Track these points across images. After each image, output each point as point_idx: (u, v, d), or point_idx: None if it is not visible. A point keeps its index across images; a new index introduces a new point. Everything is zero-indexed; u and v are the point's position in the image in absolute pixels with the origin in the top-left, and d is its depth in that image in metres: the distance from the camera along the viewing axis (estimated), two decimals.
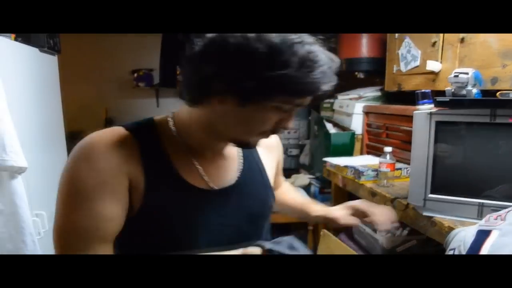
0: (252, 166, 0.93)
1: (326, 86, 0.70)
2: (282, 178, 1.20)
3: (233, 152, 0.92)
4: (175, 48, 2.86)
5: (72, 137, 3.07)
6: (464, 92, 1.14)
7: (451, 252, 0.96)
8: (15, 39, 1.81)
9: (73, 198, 0.74)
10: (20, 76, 1.75)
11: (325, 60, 0.69)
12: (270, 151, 1.00)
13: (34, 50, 1.92)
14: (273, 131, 0.78)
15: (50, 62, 2.12)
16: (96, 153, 0.74)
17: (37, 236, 1.65)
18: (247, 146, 0.83)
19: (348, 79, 2.70)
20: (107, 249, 0.76)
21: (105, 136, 0.78)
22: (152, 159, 0.78)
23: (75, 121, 4.20)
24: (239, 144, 0.82)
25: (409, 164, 1.68)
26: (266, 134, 0.79)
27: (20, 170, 1.35)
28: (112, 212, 0.75)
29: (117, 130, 0.79)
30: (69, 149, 2.38)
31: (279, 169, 1.10)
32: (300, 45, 0.66)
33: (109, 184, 0.74)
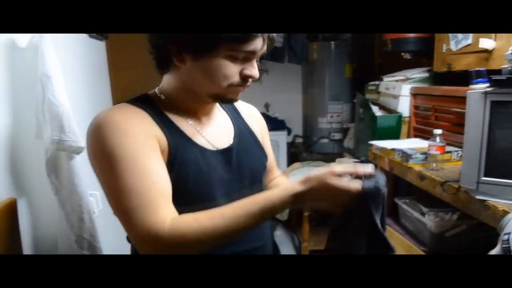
0: (242, 130, 1.02)
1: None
2: (277, 171, 1.20)
3: (224, 120, 1.01)
4: None
5: None
6: None
7: (505, 237, 0.93)
8: None
9: (118, 165, 0.76)
10: (70, 61, 1.82)
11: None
12: (254, 121, 1.09)
13: (83, 36, 1.98)
14: (243, 81, 0.86)
15: (98, 47, 2.19)
16: (121, 122, 0.79)
17: (93, 215, 1.74)
18: (225, 100, 0.90)
19: (394, 60, 2.62)
20: (171, 206, 0.78)
21: (118, 109, 0.84)
22: (164, 124, 0.85)
23: None
24: (216, 98, 0.89)
25: (459, 147, 1.63)
26: (236, 85, 0.86)
27: (78, 150, 1.41)
28: (160, 168, 0.79)
29: (123, 105, 0.86)
30: None
31: (268, 149, 1.12)
32: None
33: (145, 144, 0.79)
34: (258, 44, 0.82)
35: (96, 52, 2.16)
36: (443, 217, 1.66)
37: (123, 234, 0.86)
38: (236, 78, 0.84)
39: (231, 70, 0.83)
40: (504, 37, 1.53)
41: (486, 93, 1.13)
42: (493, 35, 1.58)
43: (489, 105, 1.12)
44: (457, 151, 1.62)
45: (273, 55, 3.37)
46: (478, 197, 1.18)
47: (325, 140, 3.54)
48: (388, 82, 2.37)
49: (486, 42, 1.58)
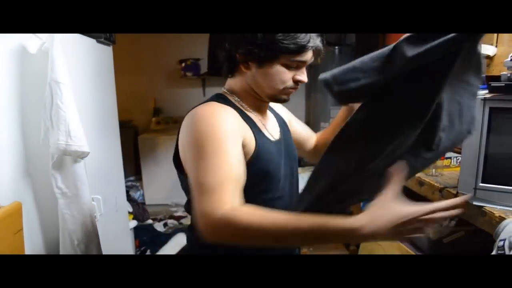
0: (282, 124, 1.20)
1: (312, 43, 0.98)
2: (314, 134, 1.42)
3: (271, 116, 1.19)
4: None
5: (122, 126, 3.17)
6: None
7: (501, 243, 0.95)
8: None
9: (203, 147, 0.87)
10: (79, 67, 1.84)
11: None
12: (284, 114, 1.28)
13: (92, 41, 2.01)
14: (294, 85, 1.03)
15: (106, 52, 2.21)
16: (221, 113, 0.95)
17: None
18: (279, 100, 1.07)
19: None
20: (236, 191, 0.85)
21: (214, 105, 0.99)
22: (247, 119, 1.03)
23: (125, 110, 4.37)
24: (274, 98, 1.06)
25: (458, 153, 1.63)
26: (289, 89, 1.03)
27: (82, 155, 1.44)
28: (237, 155, 0.91)
29: (212, 103, 1.01)
30: (122, 138, 2.45)
31: (299, 124, 1.35)
32: None
33: (231, 135, 0.92)
34: (309, 55, 1.00)
35: (104, 57, 2.18)
36: (441, 223, 1.66)
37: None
38: (290, 82, 1.02)
39: (287, 76, 1.01)
40: (505, 43, 1.54)
41: (485, 99, 1.14)
42: (494, 41, 1.59)
43: (488, 112, 1.14)
44: (456, 157, 1.63)
45: None
46: (475, 203, 1.20)
47: None
48: None
49: (488, 48, 1.59)
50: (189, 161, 0.91)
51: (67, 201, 1.48)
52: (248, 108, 1.07)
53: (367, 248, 2.04)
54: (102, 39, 2.06)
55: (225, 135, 0.89)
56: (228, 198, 0.81)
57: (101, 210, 1.83)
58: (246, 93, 1.07)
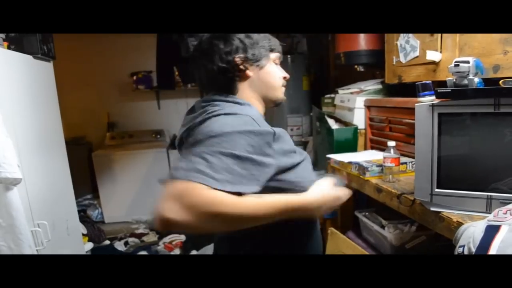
0: None
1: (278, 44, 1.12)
2: None
3: None
4: (171, 50, 2.83)
5: (76, 143, 2.99)
6: (465, 81, 1.10)
7: (460, 250, 0.93)
8: (8, 48, 1.78)
9: None
10: (15, 85, 1.73)
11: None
12: None
13: (28, 58, 1.89)
14: (284, 82, 1.11)
15: (45, 68, 2.10)
16: None
17: (39, 247, 1.63)
18: (280, 101, 1.12)
19: (349, 72, 2.66)
20: None
21: None
22: None
23: (77, 127, 4.20)
24: (279, 99, 1.11)
25: (414, 158, 1.65)
26: (282, 86, 1.11)
27: (15, 182, 1.35)
28: None
29: None
30: (70, 155, 2.34)
31: None
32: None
33: None
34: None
35: (43, 73, 2.07)
36: (403, 229, 1.66)
37: None
38: (282, 80, 1.11)
39: (279, 73, 1.10)
40: (449, 48, 1.57)
41: (433, 105, 1.14)
42: (439, 47, 1.62)
43: (437, 118, 1.14)
44: (412, 162, 1.63)
45: None
46: (432, 209, 1.19)
47: None
48: (343, 94, 2.40)
49: (432, 54, 1.61)
50: None
51: (2, 232, 1.39)
52: None
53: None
54: (39, 55, 1.94)
55: None
56: None
57: (49, 236, 1.71)
58: (256, 99, 1.08)
